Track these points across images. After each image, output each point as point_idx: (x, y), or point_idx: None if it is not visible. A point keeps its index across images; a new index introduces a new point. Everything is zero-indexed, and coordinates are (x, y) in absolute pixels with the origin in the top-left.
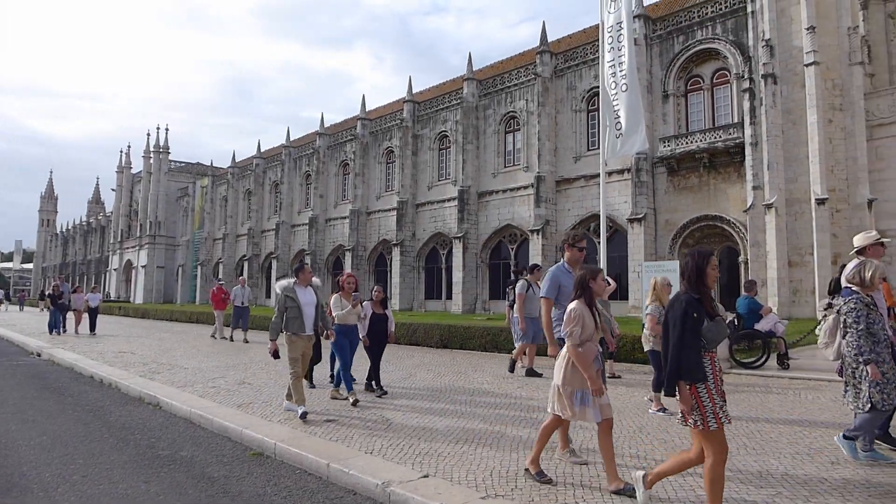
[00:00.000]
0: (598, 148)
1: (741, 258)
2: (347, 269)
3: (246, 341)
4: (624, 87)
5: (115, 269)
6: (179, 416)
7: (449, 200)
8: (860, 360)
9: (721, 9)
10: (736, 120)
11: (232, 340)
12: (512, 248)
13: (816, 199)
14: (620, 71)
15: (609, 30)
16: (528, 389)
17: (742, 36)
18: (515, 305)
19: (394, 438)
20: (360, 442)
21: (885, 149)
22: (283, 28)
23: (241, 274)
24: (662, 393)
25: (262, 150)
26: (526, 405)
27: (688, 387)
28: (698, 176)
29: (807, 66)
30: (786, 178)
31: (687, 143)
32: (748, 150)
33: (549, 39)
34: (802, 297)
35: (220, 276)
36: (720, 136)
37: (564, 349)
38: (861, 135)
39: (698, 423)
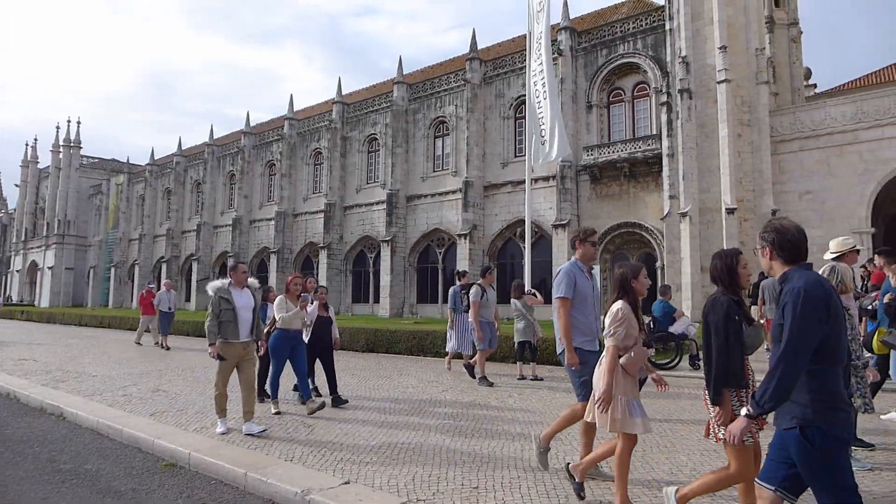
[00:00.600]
0: (525, 154)
1: (658, 264)
2: (273, 272)
3: (166, 348)
4: (546, 97)
5: (17, 271)
6: (85, 427)
7: (377, 203)
8: (857, 363)
9: (642, 25)
10: (655, 132)
11: (167, 349)
12: (440, 252)
13: (727, 209)
14: (544, 81)
15: (536, 40)
16: (454, 393)
17: (661, 52)
18: (470, 312)
19: (315, 446)
20: (280, 450)
21: (787, 163)
22: (207, 20)
23: (161, 276)
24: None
25: (184, 147)
26: (451, 412)
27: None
28: (619, 184)
29: (719, 83)
30: (699, 188)
31: (609, 152)
32: (665, 161)
33: (479, 47)
34: None
35: (151, 281)
36: (640, 147)
37: (605, 353)
38: (766, 149)
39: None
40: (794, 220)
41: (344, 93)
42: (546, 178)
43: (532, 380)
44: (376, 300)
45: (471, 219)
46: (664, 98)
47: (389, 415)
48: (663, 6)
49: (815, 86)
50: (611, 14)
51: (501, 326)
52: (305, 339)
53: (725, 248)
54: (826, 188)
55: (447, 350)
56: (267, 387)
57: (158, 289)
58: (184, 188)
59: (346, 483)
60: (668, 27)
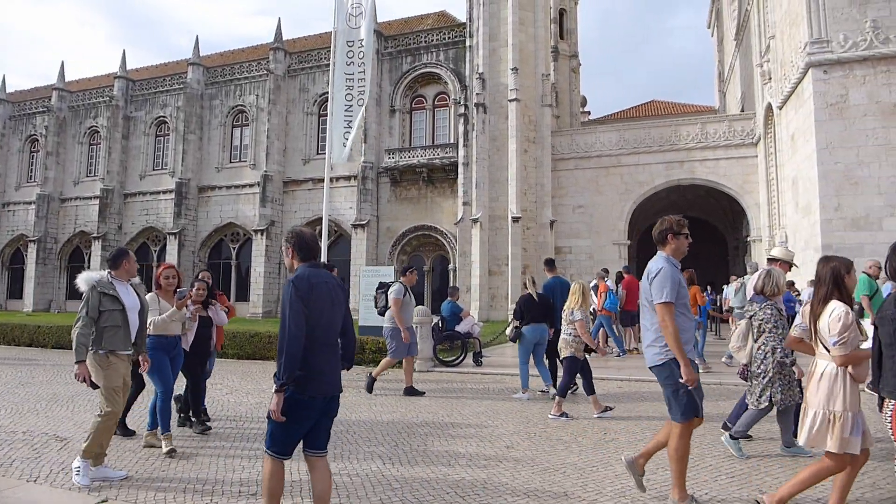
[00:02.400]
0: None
1: (451, 266)
2: (31, 264)
3: None
4: (349, 98)
5: None
6: None
7: (165, 192)
8: (786, 361)
9: (445, 39)
10: (453, 140)
11: None
12: (234, 248)
13: (512, 217)
14: (348, 80)
15: (343, 40)
16: (386, 411)
17: (461, 66)
18: (389, 313)
19: (67, 462)
20: (21, 469)
21: (564, 179)
22: None
23: None
24: (564, 398)
25: None
26: (231, 427)
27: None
28: (418, 188)
29: (510, 101)
30: (490, 197)
31: (409, 157)
32: (461, 169)
33: (285, 37)
34: (498, 302)
35: None
36: (438, 154)
37: (825, 365)
38: (547, 165)
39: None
40: (568, 230)
41: (130, 68)
42: (348, 178)
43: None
44: None
45: (269, 214)
46: (462, 110)
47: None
48: (465, 23)
49: (589, 112)
50: (417, 24)
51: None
52: (186, 345)
53: (511, 252)
54: (595, 204)
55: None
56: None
57: None
58: None
59: (103, 502)
60: (468, 44)
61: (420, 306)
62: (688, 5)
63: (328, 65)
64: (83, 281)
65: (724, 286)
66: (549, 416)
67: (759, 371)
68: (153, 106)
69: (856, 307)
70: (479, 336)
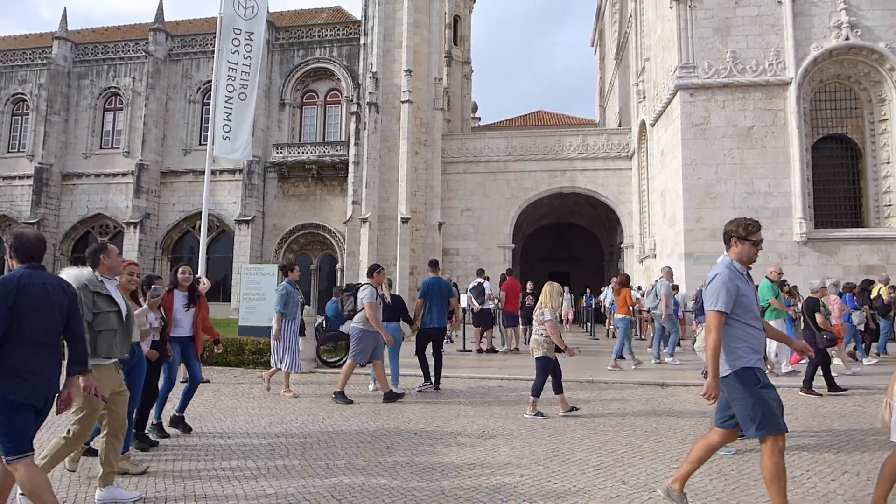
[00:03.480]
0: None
1: (339, 266)
2: None
3: None
4: (230, 89)
5: None
6: None
7: (21, 178)
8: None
9: (339, 35)
10: (344, 138)
11: None
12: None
13: (402, 218)
14: (231, 70)
15: (229, 26)
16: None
17: (355, 64)
18: (362, 315)
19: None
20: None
21: (454, 182)
22: None
23: None
24: (539, 397)
25: None
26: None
27: None
28: (307, 185)
29: (403, 102)
30: (380, 197)
31: (299, 152)
32: (351, 168)
33: (168, 18)
34: None
35: None
36: (329, 152)
37: None
38: (438, 168)
39: None
40: (456, 232)
41: None
42: (232, 172)
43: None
44: None
45: (144, 206)
46: (354, 108)
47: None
48: (360, 21)
49: (479, 118)
50: (311, 17)
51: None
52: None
53: (400, 253)
54: (482, 207)
55: (273, 366)
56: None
57: None
58: None
59: None
60: (362, 42)
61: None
62: (574, 23)
63: (214, 52)
64: (71, 279)
65: (602, 289)
66: (525, 415)
67: None
68: (9, 81)
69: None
70: None
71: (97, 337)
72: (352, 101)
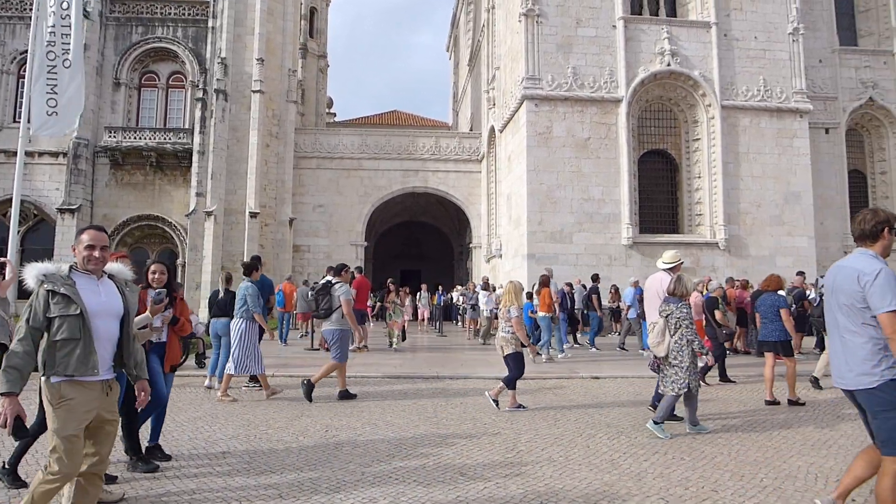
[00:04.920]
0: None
1: (180, 261)
2: None
3: None
4: (66, 63)
5: None
6: None
7: None
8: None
9: (184, 14)
10: (188, 126)
11: None
12: None
13: (250, 213)
14: (62, 42)
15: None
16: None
17: (202, 47)
18: (338, 316)
19: None
20: None
21: (306, 177)
22: None
23: None
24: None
25: None
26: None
27: None
28: (145, 174)
29: (254, 92)
30: (227, 190)
31: (136, 138)
32: (196, 158)
33: None
34: None
35: None
36: (170, 139)
37: None
38: (290, 162)
39: None
40: (308, 228)
41: None
42: (55, 154)
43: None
44: None
45: None
46: (201, 94)
47: None
48: (209, 1)
49: (335, 114)
50: None
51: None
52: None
53: (248, 249)
54: (335, 204)
55: (227, 371)
56: None
57: None
58: None
59: None
60: (211, 24)
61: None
62: (432, 27)
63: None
64: (31, 275)
65: (458, 287)
66: (506, 409)
67: (677, 361)
68: None
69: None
70: (203, 336)
71: (54, 348)
72: (198, 86)
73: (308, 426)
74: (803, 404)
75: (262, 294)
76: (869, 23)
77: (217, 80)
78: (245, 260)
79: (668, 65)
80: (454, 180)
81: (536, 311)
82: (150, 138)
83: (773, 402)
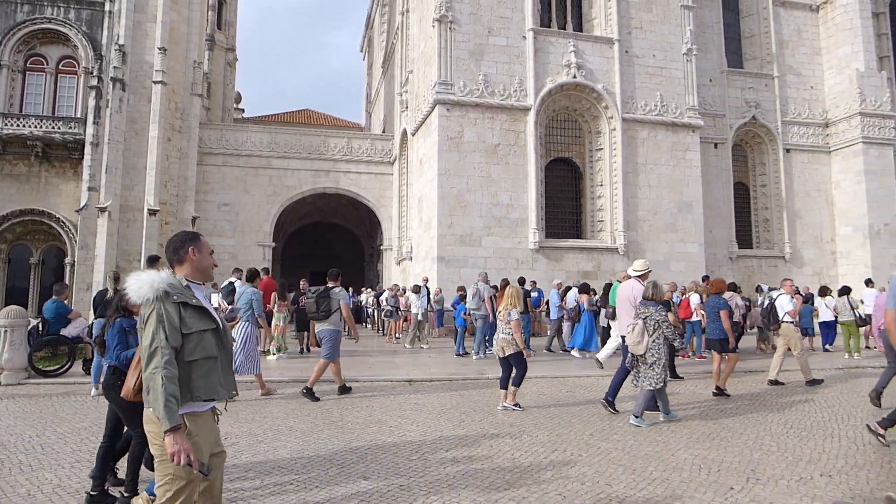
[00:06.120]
0: None
1: (69, 260)
2: None
3: None
4: None
5: None
6: None
7: None
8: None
9: None
10: (80, 115)
11: None
12: None
13: (149, 210)
14: None
15: None
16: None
17: (97, 31)
18: (335, 318)
19: None
20: None
21: (211, 174)
22: None
23: None
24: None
25: None
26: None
27: None
28: (29, 165)
29: (155, 83)
30: (123, 185)
31: (20, 125)
32: (88, 150)
33: None
34: None
35: None
36: (59, 128)
37: None
38: (193, 158)
39: None
40: (212, 228)
41: None
42: None
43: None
44: None
45: None
46: (95, 82)
47: None
48: None
49: (243, 110)
50: None
51: None
52: None
53: (146, 248)
54: (241, 203)
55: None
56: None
57: None
58: None
59: None
60: (108, 8)
61: (13, 306)
62: (347, 26)
63: None
64: (147, 286)
65: (367, 289)
66: (505, 404)
67: (655, 359)
68: None
69: (609, 310)
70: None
71: (190, 370)
72: (92, 73)
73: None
74: (728, 395)
75: None
76: (753, 48)
77: (114, 67)
78: (142, 259)
79: (574, 77)
80: (366, 182)
81: (470, 313)
82: (35, 126)
83: (722, 393)
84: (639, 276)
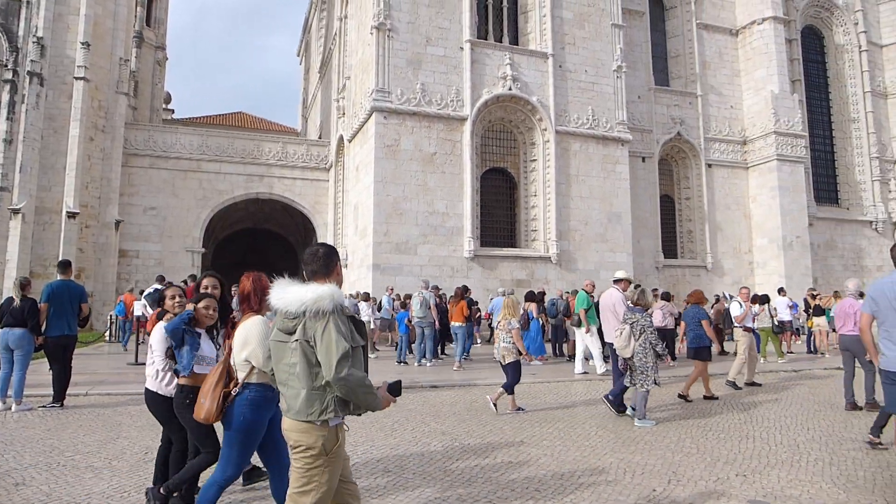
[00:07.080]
0: None
1: None
2: None
3: None
4: None
5: None
6: None
7: None
8: (664, 353)
9: None
10: None
11: None
12: None
13: (68, 213)
14: None
15: None
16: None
17: (13, 22)
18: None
19: None
20: None
21: (137, 177)
22: None
23: None
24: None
25: None
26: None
27: None
28: None
29: (77, 79)
30: (40, 186)
31: None
32: (1, 146)
33: None
34: None
35: None
36: None
37: None
38: (118, 159)
39: None
40: (137, 232)
41: None
42: None
43: None
44: None
45: None
46: (10, 75)
47: None
48: None
49: (173, 111)
50: None
51: None
52: None
53: (64, 252)
54: (169, 207)
55: None
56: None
57: None
58: None
59: None
60: None
61: None
62: (284, 30)
63: None
64: (324, 298)
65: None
66: (507, 411)
67: (642, 363)
68: None
69: (574, 318)
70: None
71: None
72: (6, 66)
73: (125, 449)
74: (717, 398)
75: (71, 301)
76: (679, 67)
77: (32, 61)
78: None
79: (510, 89)
80: (301, 188)
81: (413, 320)
82: None
83: (712, 397)
84: (616, 284)
